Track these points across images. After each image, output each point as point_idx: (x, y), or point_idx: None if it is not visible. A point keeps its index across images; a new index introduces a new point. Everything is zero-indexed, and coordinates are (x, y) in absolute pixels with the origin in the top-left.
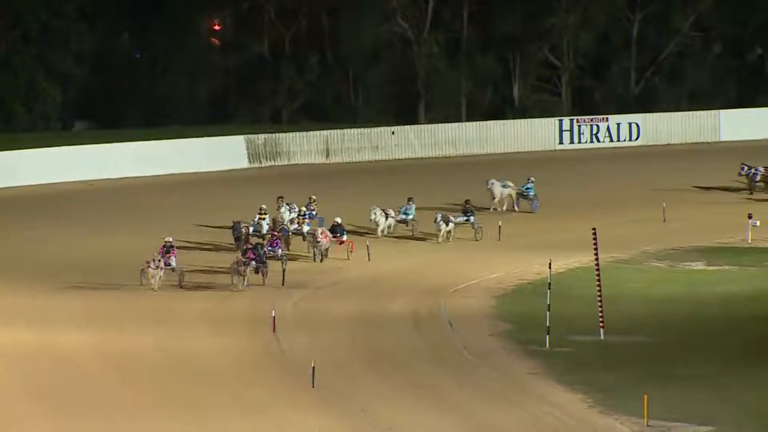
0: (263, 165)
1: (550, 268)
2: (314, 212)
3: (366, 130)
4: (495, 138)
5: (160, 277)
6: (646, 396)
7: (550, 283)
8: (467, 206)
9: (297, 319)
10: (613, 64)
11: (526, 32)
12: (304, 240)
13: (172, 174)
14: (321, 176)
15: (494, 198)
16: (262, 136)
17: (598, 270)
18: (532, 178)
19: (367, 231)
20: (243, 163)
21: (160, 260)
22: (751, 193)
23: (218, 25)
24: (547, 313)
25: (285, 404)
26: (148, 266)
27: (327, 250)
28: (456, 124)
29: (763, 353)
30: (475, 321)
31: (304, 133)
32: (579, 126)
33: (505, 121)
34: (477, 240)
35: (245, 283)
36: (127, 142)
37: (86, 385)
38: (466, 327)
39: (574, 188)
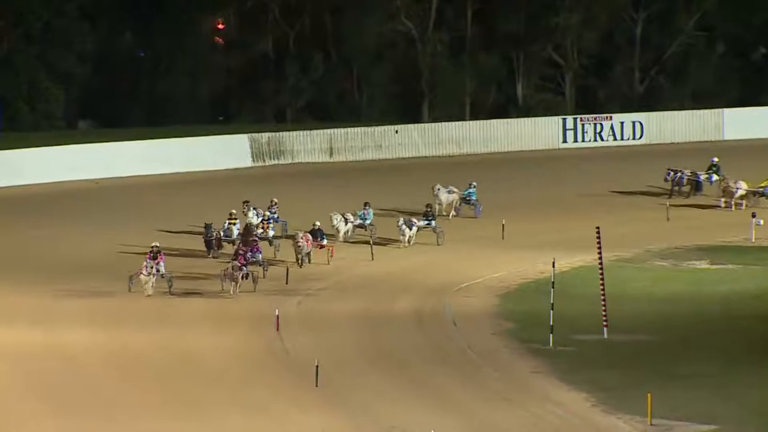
0: (267, 164)
1: (553, 266)
2: (276, 216)
3: (370, 129)
4: (499, 137)
5: (152, 283)
6: (649, 395)
7: (553, 282)
8: (428, 210)
9: (300, 318)
10: (617, 63)
11: (529, 31)
12: (270, 245)
13: (177, 173)
14: (324, 175)
15: (440, 204)
16: (266, 135)
17: (601, 269)
18: (474, 183)
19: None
20: (247, 161)
21: (152, 266)
22: (670, 197)
23: (222, 23)
24: (551, 312)
25: (288, 403)
26: (140, 273)
27: (309, 254)
28: (460, 123)
29: (767, 352)
30: (478, 320)
31: (308, 132)
32: (583, 125)
33: (509, 120)
34: (439, 244)
35: (237, 289)
36: (131, 141)
37: (90, 384)
38: (469, 326)
39: (577, 187)
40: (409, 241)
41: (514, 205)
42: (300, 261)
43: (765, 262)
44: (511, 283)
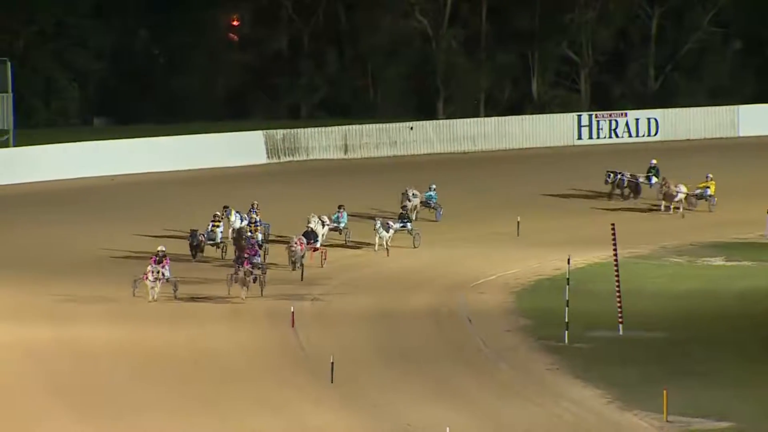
0: (282, 160)
1: (568, 263)
2: (258, 218)
3: (384, 126)
4: (514, 133)
5: (157, 289)
6: (665, 391)
7: (568, 279)
8: (404, 212)
9: (316, 315)
10: (632, 59)
11: (544, 28)
12: (259, 248)
13: (192, 169)
14: (339, 172)
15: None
16: (280, 132)
17: (616, 265)
18: (434, 186)
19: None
20: (262, 158)
21: (158, 271)
22: (610, 199)
23: (237, 20)
24: (566, 308)
25: (303, 400)
26: (146, 278)
27: (302, 257)
28: (475, 120)
29: None
30: (493, 317)
31: (323, 129)
32: (598, 121)
33: (524, 116)
34: (415, 247)
35: (246, 293)
36: (146, 137)
37: (107, 382)
38: (484, 323)
39: (591, 183)
40: (386, 244)
41: (529, 202)
42: (294, 265)
43: None
44: (526, 280)
